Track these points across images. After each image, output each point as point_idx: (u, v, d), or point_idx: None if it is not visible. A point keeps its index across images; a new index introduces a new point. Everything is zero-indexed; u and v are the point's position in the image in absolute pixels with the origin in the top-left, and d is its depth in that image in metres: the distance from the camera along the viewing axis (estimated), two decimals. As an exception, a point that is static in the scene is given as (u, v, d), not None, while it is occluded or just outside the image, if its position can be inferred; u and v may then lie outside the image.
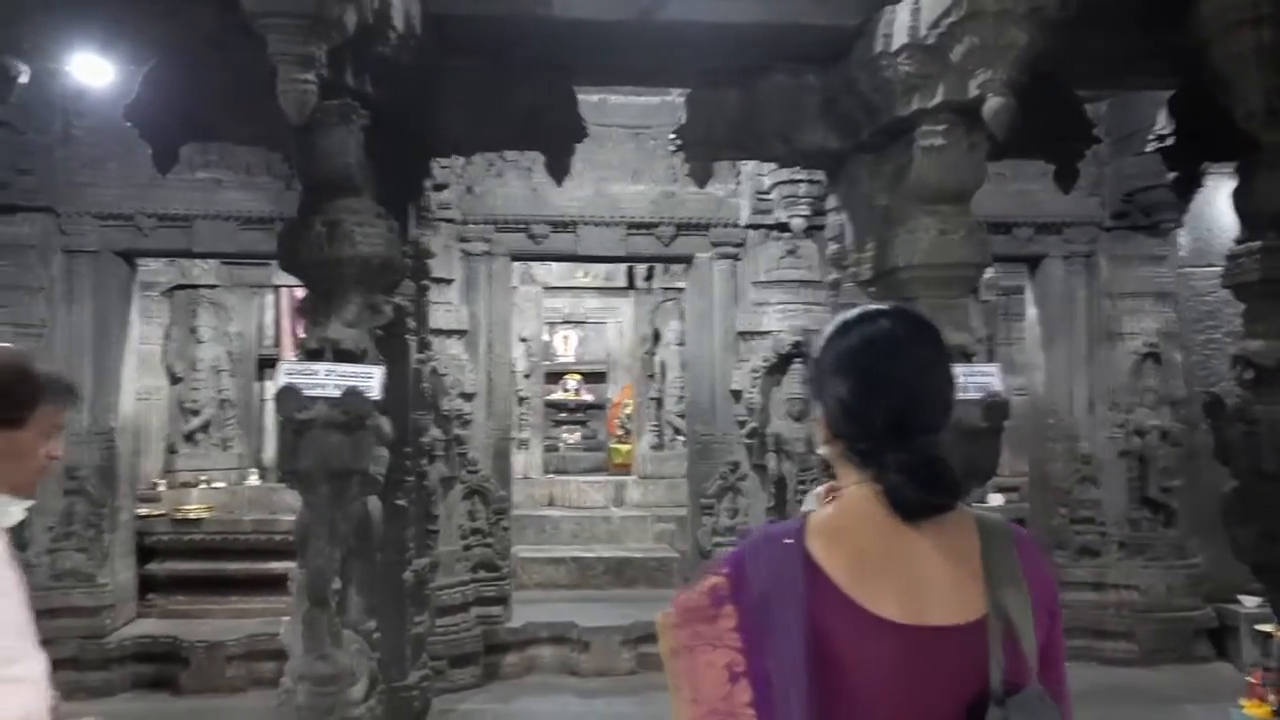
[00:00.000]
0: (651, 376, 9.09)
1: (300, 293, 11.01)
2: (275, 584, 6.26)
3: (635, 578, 7.35)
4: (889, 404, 1.09)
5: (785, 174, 5.95)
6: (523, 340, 9.16)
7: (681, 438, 8.94)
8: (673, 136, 4.28)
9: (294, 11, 2.86)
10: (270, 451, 9.07)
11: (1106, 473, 6.46)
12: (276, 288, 10.16)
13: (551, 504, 8.52)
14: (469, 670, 5.78)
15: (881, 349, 1.11)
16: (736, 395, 6.34)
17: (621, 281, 9.10)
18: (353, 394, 3.34)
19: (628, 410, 12.00)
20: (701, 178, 4.31)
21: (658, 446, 9.03)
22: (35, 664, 1.54)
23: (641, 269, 8.86)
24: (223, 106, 3.92)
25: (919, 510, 1.07)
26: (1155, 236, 6.50)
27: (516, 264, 7.07)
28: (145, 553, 6.59)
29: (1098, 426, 6.50)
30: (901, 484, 1.06)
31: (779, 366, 6.26)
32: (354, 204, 3.46)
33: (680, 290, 8.95)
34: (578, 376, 13.74)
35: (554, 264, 8.57)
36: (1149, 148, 4.53)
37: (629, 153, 6.38)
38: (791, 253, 6.31)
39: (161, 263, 7.81)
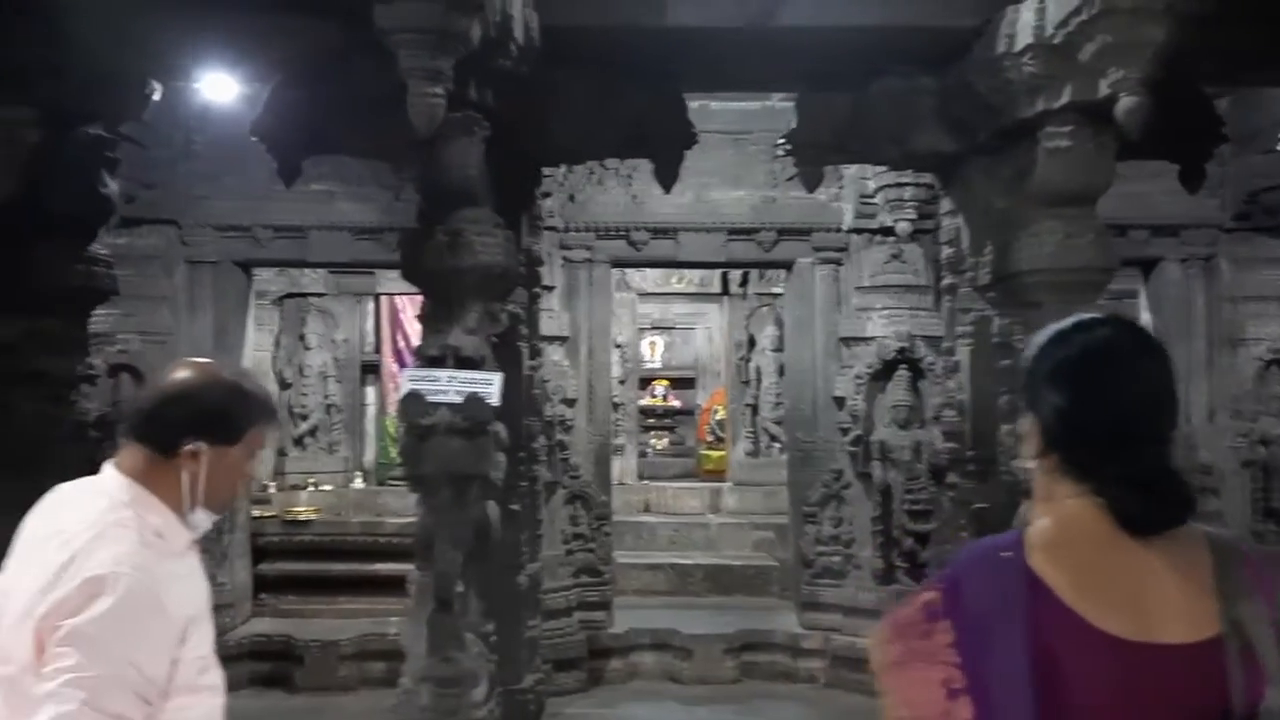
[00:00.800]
0: (746, 383, 9.05)
1: (400, 300, 11.29)
2: (381, 585, 6.42)
3: (734, 586, 7.32)
4: (1113, 415, 1.06)
5: (891, 177, 5.86)
6: (617, 346, 9.20)
7: (778, 444, 8.87)
8: (781, 141, 4.27)
9: (424, 27, 2.93)
10: (372, 455, 9.31)
11: (1228, 484, 6.19)
12: (376, 296, 10.44)
13: (647, 510, 8.54)
14: (573, 675, 5.83)
15: (1103, 358, 1.08)
16: (839, 402, 6.27)
17: (716, 287, 9.08)
18: (474, 400, 3.40)
19: (718, 416, 11.96)
20: (811, 182, 4.28)
21: (753, 453, 8.98)
22: (219, 673, 1.61)
23: (736, 275, 8.83)
24: (343, 121, 4.04)
25: (1150, 524, 1.04)
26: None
27: (613, 271, 7.11)
28: (256, 553, 6.82)
29: (1218, 436, 6.24)
30: (1130, 497, 1.03)
31: (883, 373, 6.17)
32: (474, 214, 3.52)
33: (776, 296, 8.90)
34: (665, 382, 13.75)
35: (649, 271, 8.61)
36: (1280, 146, 4.35)
37: (729, 158, 6.36)
38: (896, 257, 6.21)
39: (272, 272, 8.09)
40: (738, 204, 6.33)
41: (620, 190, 6.34)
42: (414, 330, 11.90)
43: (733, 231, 6.33)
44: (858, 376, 6.18)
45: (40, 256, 3.54)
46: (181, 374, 1.59)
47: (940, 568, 1.17)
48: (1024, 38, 3.32)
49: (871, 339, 6.20)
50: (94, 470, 3.75)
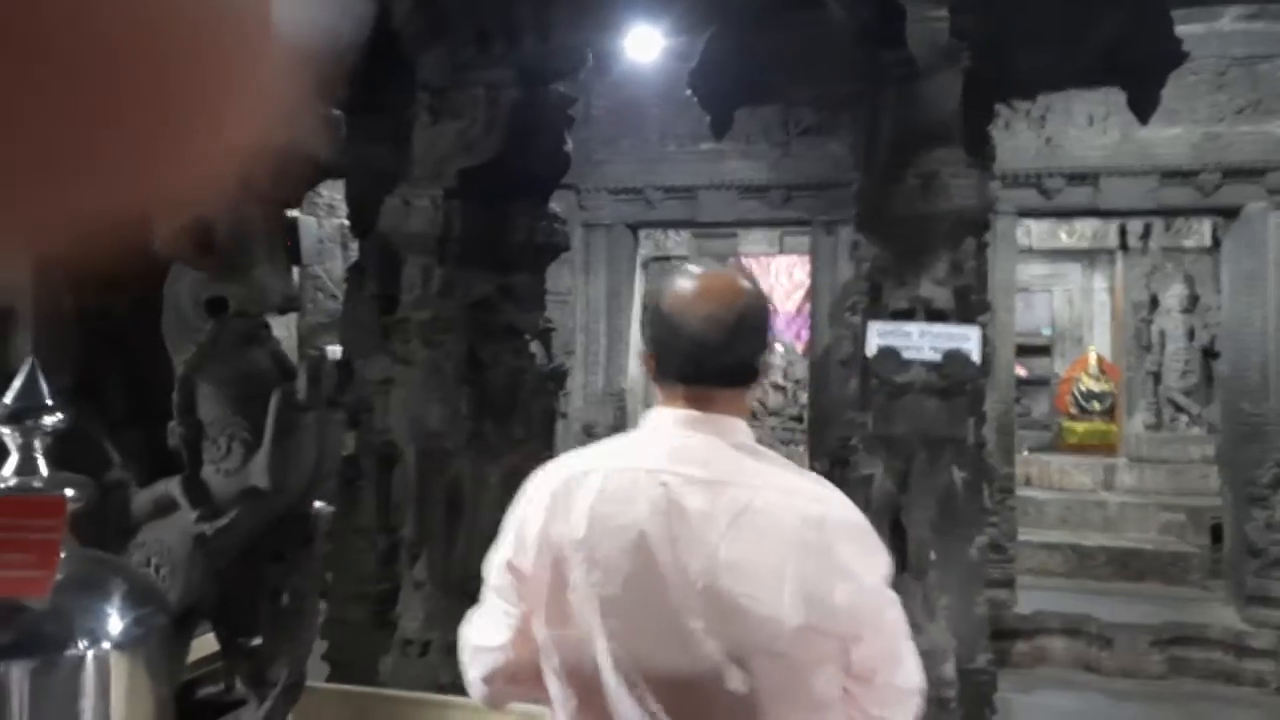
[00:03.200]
0: (1147, 348, 8.12)
1: (746, 262, 11.22)
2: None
3: (1144, 572, 6.58)
4: None
5: (1384, 101, 4.91)
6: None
7: (1184, 417, 7.92)
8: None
9: (934, -58, 2.67)
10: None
11: None
12: (722, 259, 10.48)
13: (1029, 484, 7.92)
14: (979, 655, 5.46)
15: None
16: (1298, 369, 5.39)
17: (1112, 242, 8.20)
18: (956, 356, 3.14)
19: (1083, 386, 10.95)
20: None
21: (1155, 426, 8.05)
22: None
23: (1136, 227, 7.93)
24: (782, 69, 3.90)
25: None
26: None
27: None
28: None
29: None
30: None
31: (1361, 335, 5.23)
32: (948, 154, 3.24)
33: (1184, 250, 7.93)
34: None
35: (1032, 224, 7.92)
36: None
37: (1163, 91, 5.61)
38: (1380, 197, 5.22)
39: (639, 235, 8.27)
40: (1173, 143, 5.58)
41: (1031, 134, 5.79)
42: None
43: (1166, 174, 5.59)
44: (1326, 339, 5.28)
45: (512, 214, 3.68)
46: (727, 300, 1.33)
47: None
48: None
49: (1345, 295, 5.27)
50: (555, 419, 3.77)
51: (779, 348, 10.75)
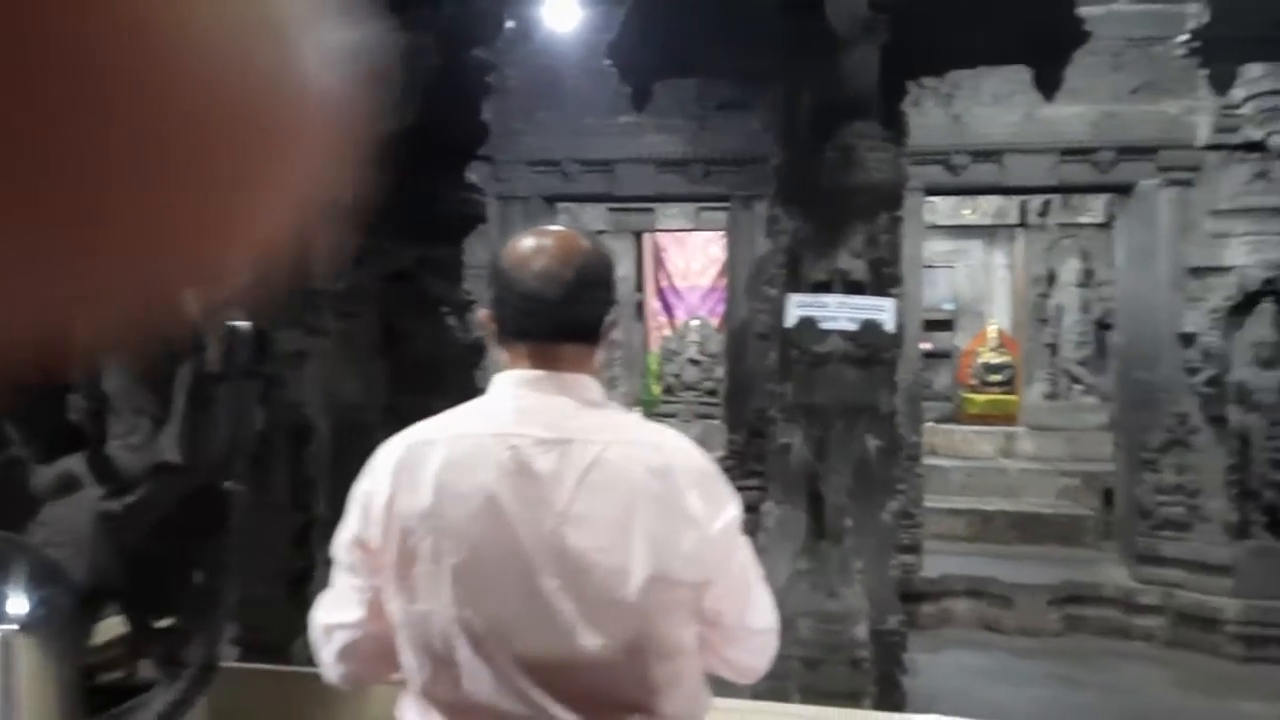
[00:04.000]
0: (1044, 321, 8.43)
1: (662, 239, 11.21)
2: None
3: (1043, 535, 6.87)
4: None
5: (1267, 84, 5.15)
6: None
7: (1079, 386, 8.26)
8: (1186, 38, 3.77)
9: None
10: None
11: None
12: (639, 234, 10.48)
13: (934, 453, 8.16)
14: (889, 618, 5.63)
15: None
16: (1186, 339, 5.66)
17: (1013, 218, 8.46)
18: (872, 327, 3.21)
19: (982, 359, 11.33)
20: (1223, 84, 3.79)
21: (1052, 396, 8.39)
22: None
23: (1036, 204, 8.20)
24: (706, 42, 3.90)
25: None
26: None
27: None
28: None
29: None
30: None
31: (1244, 306, 5.51)
32: (865, 128, 3.30)
33: (1080, 227, 8.24)
34: (907, 323, 13.09)
35: (939, 202, 8.12)
36: None
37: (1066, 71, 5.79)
38: (1262, 175, 5.49)
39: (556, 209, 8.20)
40: (1074, 121, 5.76)
41: (939, 111, 5.92)
42: (676, 269, 11.93)
43: (1066, 152, 5.79)
44: (1212, 310, 5.55)
45: (429, 184, 3.60)
46: (563, 256, 1.30)
47: None
48: None
49: (1230, 269, 5.53)
50: (476, 393, 3.77)
51: (694, 322, 10.83)
